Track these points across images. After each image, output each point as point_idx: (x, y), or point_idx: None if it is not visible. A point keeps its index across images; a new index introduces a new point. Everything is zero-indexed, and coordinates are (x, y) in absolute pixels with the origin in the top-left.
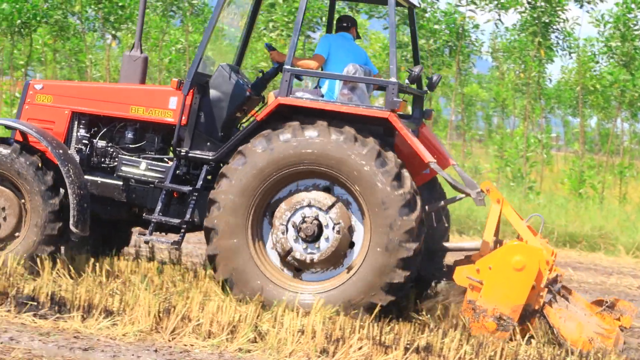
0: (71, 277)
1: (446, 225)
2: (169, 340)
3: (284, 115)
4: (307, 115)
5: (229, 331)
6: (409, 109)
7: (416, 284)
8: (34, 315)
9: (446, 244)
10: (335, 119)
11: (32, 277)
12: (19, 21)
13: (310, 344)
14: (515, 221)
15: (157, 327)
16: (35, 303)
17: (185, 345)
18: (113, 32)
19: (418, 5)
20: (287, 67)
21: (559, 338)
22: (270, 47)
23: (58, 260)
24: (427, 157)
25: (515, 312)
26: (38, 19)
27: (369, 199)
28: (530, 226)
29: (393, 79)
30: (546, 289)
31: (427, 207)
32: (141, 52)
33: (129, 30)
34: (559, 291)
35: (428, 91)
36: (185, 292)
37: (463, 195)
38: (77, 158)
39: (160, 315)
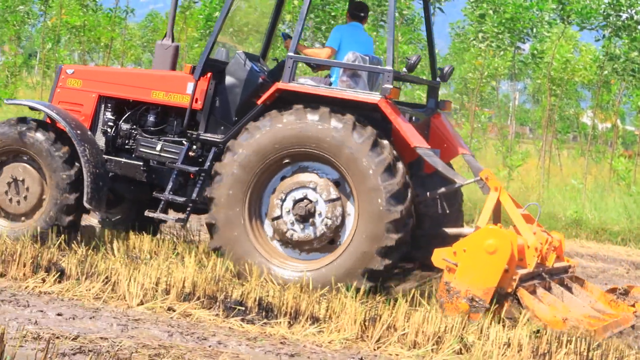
0: (278, 283)
1: (447, 211)
2: (374, 349)
3: (290, 101)
4: (308, 101)
5: (434, 342)
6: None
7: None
8: (242, 320)
9: (447, 230)
10: (337, 105)
11: (240, 282)
12: (231, 29)
13: (516, 357)
14: (511, 209)
15: (362, 336)
16: (243, 308)
17: (390, 354)
18: (324, 41)
19: None
20: (290, 54)
21: (531, 318)
22: (286, 37)
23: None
24: (414, 141)
25: (487, 294)
26: (250, 27)
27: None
28: (529, 214)
29: (388, 67)
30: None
31: (428, 194)
32: (172, 41)
33: None
34: (562, 280)
35: (441, 82)
36: (391, 302)
37: (464, 182)
38: (103, 140)
39: (366, 323)
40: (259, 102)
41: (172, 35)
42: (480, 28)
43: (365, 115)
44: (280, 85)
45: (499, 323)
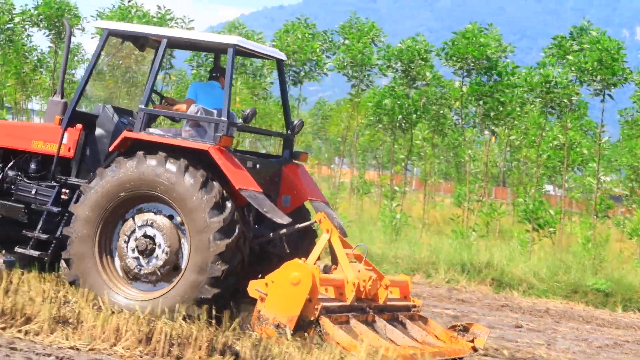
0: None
1: (294, 250)
2: None
3: (142, 149)
4: (154, 149)
5: None
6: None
7: None
8: None
9: None
10: (179, 152)
11: None
12: (399, 116)
13: None
14: (338, 249)
15: None
16: None
17: None
18: (492, 127)
19: (284, 59)
20: (141, 106)
21: (328, 341)
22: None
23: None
24: (237, 184)
25: (291, 321)
26: (418, 114)
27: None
28: (360, 254)
29: (223, 118)
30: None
31: (271, 234)
32: (62, 98)
33: (507, 125)
34: (395, 316)
35: (292, 134)
36: None
37: (286, 223)
38: None
39: None
40: (110, 149)
41: (62, 92)
42: None
43: (208, 161)
44: (127, 134)
45: None
